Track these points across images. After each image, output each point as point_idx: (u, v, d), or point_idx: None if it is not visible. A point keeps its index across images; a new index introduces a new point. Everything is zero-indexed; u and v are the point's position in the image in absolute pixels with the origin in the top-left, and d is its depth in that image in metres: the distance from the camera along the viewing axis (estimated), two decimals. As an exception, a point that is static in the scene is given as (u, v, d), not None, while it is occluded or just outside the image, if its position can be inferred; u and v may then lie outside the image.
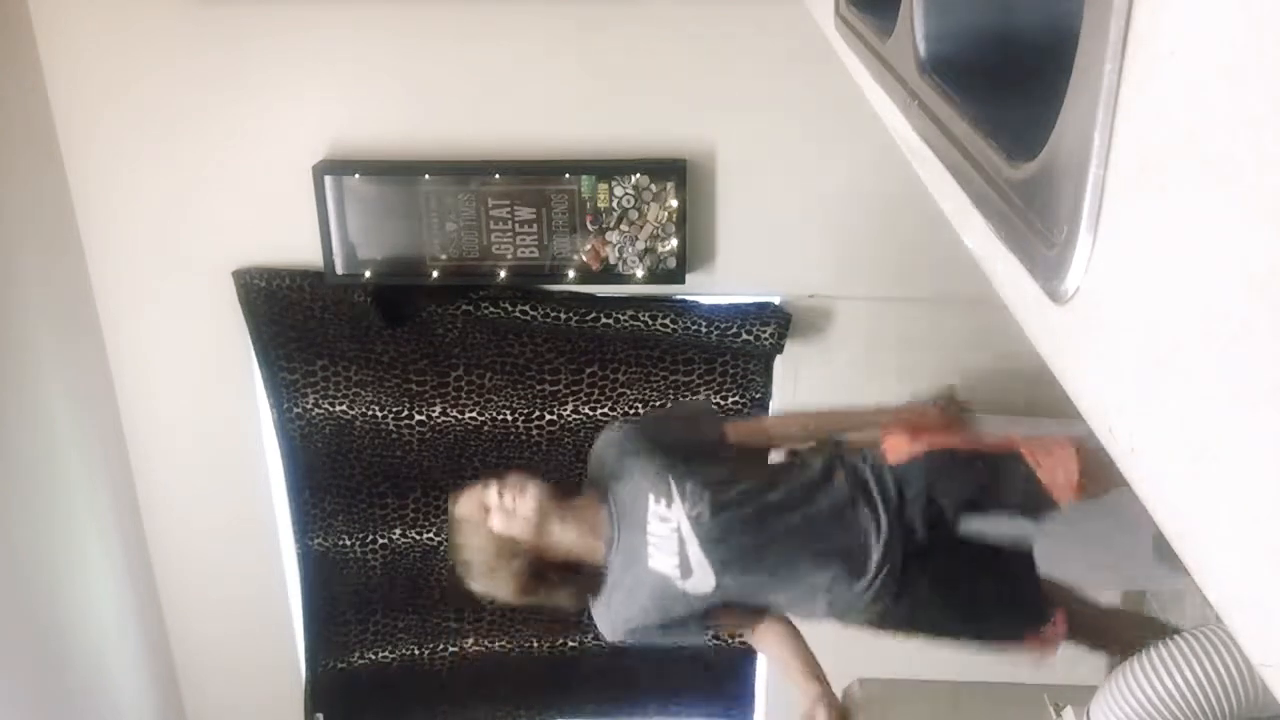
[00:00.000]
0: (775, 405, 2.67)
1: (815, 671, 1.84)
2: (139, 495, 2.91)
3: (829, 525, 1.74)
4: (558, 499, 1.78)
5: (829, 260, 2.57)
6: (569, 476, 2.74)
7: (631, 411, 2.68)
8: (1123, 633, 1.96)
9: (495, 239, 2.50)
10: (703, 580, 1.72)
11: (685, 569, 1.72)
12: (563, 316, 2.56)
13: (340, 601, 2.95)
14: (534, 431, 2.71)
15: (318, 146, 2.49)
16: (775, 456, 1.99)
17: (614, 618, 1.82)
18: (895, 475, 1.80)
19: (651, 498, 1.75)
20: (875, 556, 1.72)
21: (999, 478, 1.81)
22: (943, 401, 1.92)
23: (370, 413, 2.71)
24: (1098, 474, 1.75)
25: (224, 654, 3.12)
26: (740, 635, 2.94)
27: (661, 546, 1.73)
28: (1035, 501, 1.77)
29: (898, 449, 1.85)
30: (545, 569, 1.78)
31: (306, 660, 3.04)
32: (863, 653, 2.21)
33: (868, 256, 2.56)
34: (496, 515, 1.73)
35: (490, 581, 1.79)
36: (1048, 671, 1.88)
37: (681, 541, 1.72)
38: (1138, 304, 0.46)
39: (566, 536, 1.76)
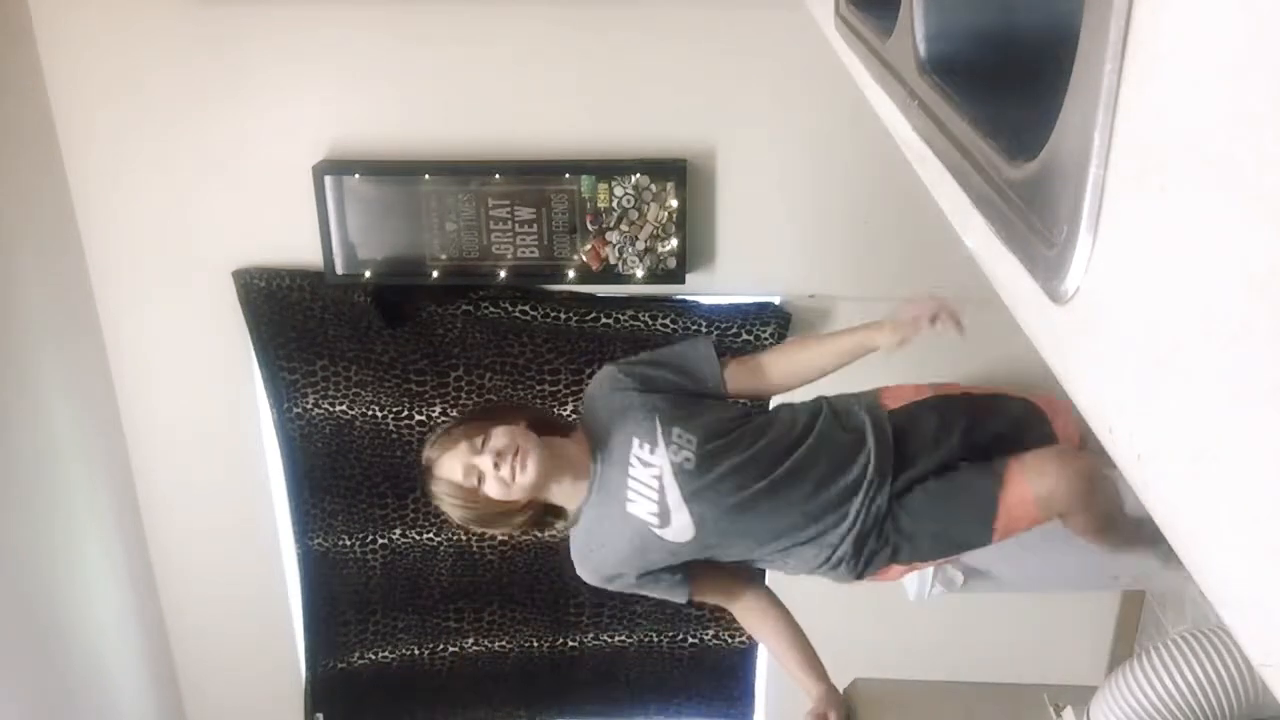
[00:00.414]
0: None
1: (818, 669, 1.82)
2: (139, 495, 2.91)
3: (813, 477, 1.70)
4: (551, 453, 1.68)
5: (829, 260, 2.58)
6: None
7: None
8: (1116, 529, 1.86)
9: (495, 239, 2.50)
10: (681, 529, 1.68)
11: (664, 517, 1.68)
12: (563, 316, 2.56)
13: (340, 601, 2.95)
14: (534, 431, 2.71)
15: (318, 146, 2.50)
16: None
17: (593, 563, 1.78)
18: (896, 423, 1.77)
19: (636, 440, 1.69)
20: (855, 506, 1.69)
21: (1012, 423, 1.78)
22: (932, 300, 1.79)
23: (370, 413, 2.71)
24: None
25: (224, 654, 3.12)
26: (740, 633, 2.95)
27: (641, 492, 1.68)
28: (1037, 439, 1.77)
29: (898, 395, 1.85)
30: (539, 512, 1.75)
31: (306, 660, 3.04)
32: (863, 653, 2.21)
33: (867, 256, 2.56)
34: (493, 484, 1.64)
35: (481, 529, 1.76)
36: (1048, 672, 1.87)
37: (662, 489, 1.67)
38: (1138, 304, 0.46)
39: (561, 486, 1.72)
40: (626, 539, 1.71)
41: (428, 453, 1.72)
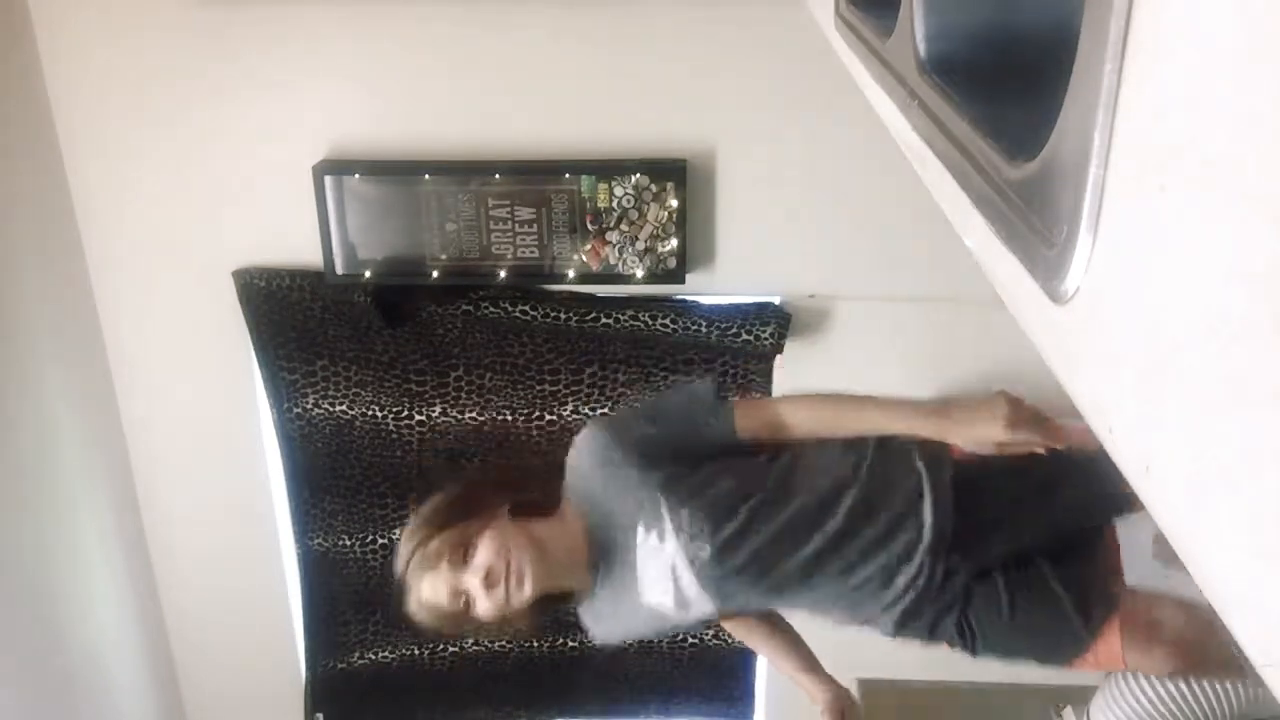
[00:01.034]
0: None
1: (821, 670, 1.75)
2: (139, 495, 2.91)
3: (855, 541, 1.46)
4: (546, 552, 1.48)
5: (829, 260, 2.57)
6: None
7: (631, 411, 2.68)
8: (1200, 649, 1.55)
9: (495, 239, 2.50)
10: (703, 610, 1.53)
11: (682, 603, 1.50)
12: (563, 316, 2.56)
13: (340, 601, 2.95)
14: (534, 431, 2.71)
15: (318, 146, 2.50)
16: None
17: (608, 634, 1.65)
18: (958, 479, 1.48)
19: (641, 528, 1.49)
20: (905, 575, 1.46)
21: (1094, 485, 1.48)
22: (1020, 402, 1.46)
23: (370, 413, 2.71)
24: None
25: (224, 654, 3.12)
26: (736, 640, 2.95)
27: (654, 582, 1.50)
28: (1117, 505, 1.54)
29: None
30: (540, 608, 1.53)
31: (306, 660, 3.04)
32: (863, 653, 2.21)
33: (868, 256, 2.56)
34: (486, 605, 1.44)
35: (480, 635, 1.58)
36: (1048, 672, 1.85)
37: (677, 579, 1.48)
38: (1138, 304, 0.46)
39: (559, 579, 1.52)
40: (643, 621, 1.56)
41: (403, 574, 1.51)
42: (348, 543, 2.87)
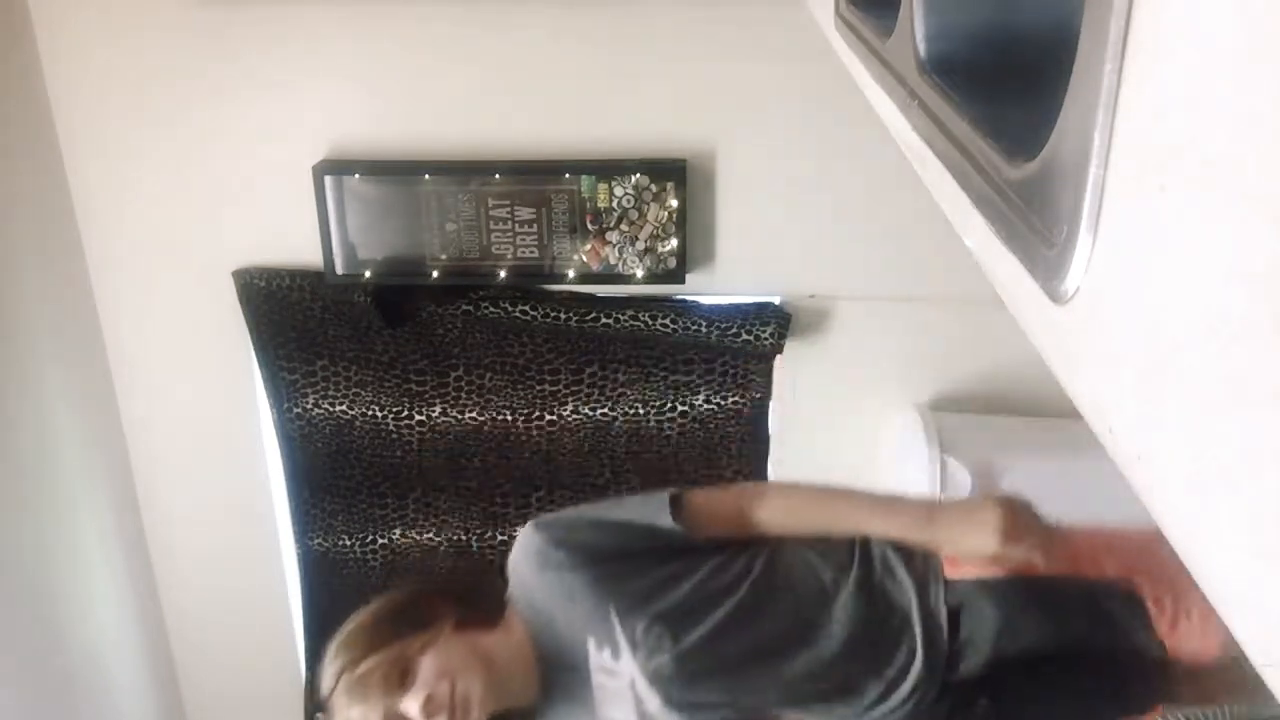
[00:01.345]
0: (774, 416, 2.67)
1: None
2: (139, 495, 2.91)
3: (840, 661, 1.32)
4: (492, 671, 1.31)
5: (829, 260, 2.57)
6: (567, 477, 2.75)
7: (631, 412, 2.68)
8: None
9: (495, 239, 2.50)
10: None
11: None
12: (563, 316, 2.56)
13: (340, 601, 2.95)
14: (534, 431, 2.71)
15: (318, 146, 2.50)
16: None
17: None
18: (951, 599, 1.34)
19: (592, 644, 1.33)
20: (897, 696, 1.33)
21: (1102, 621, 1.35)
22: (1017, 511, 1.29)
23: (370, 413, 2.71)
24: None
25: (224, 654, 3.12)
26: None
27: (613, 700, 1.35)
28: (1143, 653, 1.33)
29: (961, 563, 1.38)
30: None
31: (306, 660, 3.04)
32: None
33: (868, 256, 2.56)
34: None
35: None
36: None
37: (638, 698, 1.33)
38: (1138, 304, 0.46)
39: (508, 699, 1.34)
40: None
41: (328, 697, 1.31)
42: (348, 543, 2.87)
